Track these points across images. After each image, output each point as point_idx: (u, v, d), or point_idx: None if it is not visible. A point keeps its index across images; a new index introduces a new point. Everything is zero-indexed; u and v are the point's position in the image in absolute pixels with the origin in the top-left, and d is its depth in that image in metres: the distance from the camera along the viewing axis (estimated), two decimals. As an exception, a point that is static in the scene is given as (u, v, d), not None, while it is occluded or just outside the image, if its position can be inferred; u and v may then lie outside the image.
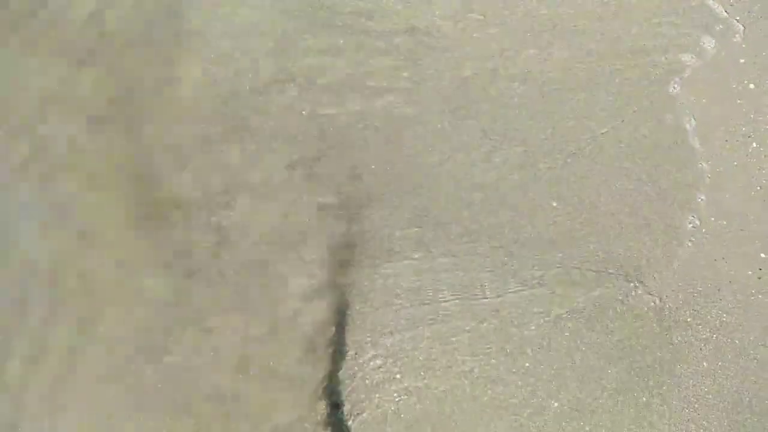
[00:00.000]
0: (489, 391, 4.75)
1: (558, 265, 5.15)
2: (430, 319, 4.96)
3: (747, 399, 4.74)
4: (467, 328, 4.93)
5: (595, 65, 5.73)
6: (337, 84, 5.66)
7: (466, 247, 5.17)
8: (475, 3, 5.90)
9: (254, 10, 5.91)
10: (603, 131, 5.58)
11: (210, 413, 4.67)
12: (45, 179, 5.37)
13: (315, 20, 5.90)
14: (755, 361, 4.87)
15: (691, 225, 5.35)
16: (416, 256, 5.13)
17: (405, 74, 5.70)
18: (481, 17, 5.89)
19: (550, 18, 5.86)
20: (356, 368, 4.85)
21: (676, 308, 5.04)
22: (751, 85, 5.87)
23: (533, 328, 4.93)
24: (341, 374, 4.83)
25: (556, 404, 4.67)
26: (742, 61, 6.01)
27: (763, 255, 5.24)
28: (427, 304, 5.00)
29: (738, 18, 5.92)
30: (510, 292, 5.05)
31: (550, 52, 5.76)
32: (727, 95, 5.86)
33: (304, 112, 5.59)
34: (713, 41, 5.86)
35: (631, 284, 5.11)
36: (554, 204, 5.36)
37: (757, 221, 5.37)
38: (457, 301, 5.02)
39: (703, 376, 4.81)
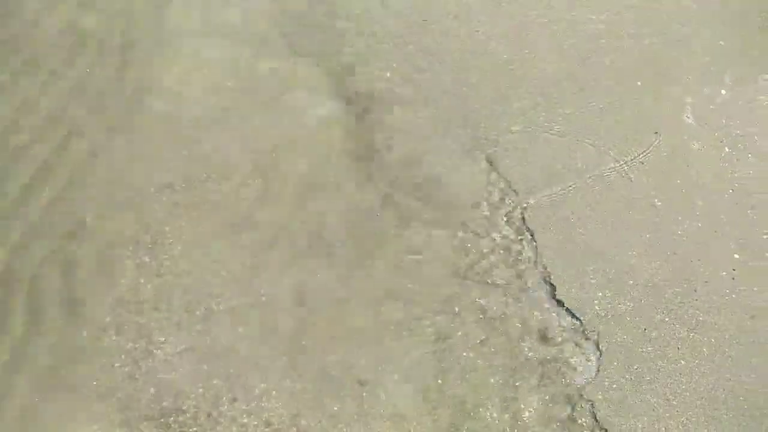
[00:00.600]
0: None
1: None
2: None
3: (723, 396, 4.82)
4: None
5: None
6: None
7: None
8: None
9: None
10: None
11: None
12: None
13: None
14: (730, 359, 4.97)
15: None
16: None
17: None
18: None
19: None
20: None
21: (654, 308, 5.14)
22: (723, 91, 6.07)
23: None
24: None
25: (539, 403, 4.72)
26: (712, 69, 6.22)
27: (736, 256, 5.38)
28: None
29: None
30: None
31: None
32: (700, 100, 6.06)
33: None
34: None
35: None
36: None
37: (730, 223, 5.53)
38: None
39: (680, 374, 4.89)
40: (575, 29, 6.61)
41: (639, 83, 6.17)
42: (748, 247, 5.42)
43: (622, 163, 5.79)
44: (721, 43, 6.37)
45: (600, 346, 4.94)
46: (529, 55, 6.43)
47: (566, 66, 6.36)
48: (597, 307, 5.12)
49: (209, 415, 4.53)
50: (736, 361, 4.96)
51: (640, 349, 4.95)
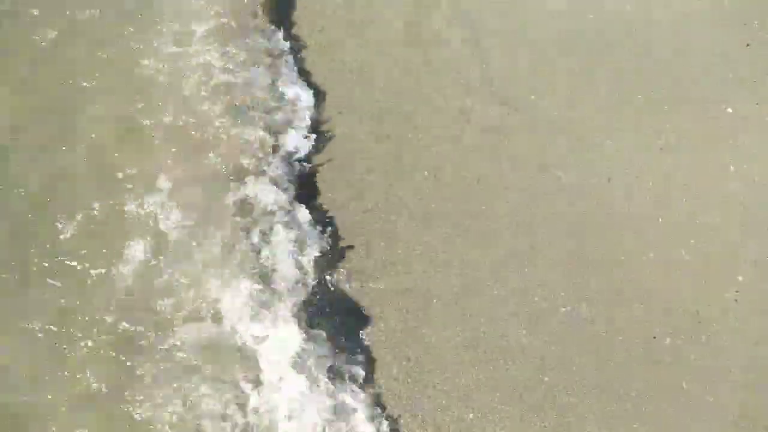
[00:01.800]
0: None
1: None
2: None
3: (732, 418, 4.71)
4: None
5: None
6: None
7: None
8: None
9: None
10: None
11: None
12: None
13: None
14: (738, 383, 4.85)
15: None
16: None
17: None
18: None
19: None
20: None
21: (656, 328, 5.02)
22: (729, 110, 6.00)
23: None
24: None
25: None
26: (729, 86, 6.14)
27: (740, 278, 5.28)
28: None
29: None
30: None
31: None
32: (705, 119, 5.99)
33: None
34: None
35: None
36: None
37: (735, 243, 5.43)
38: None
39: (687, 398, 4.77)
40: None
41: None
42: (752, 269, 5.32)
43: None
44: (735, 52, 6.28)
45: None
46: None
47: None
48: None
49: None
50: (746, 387, 4.84)
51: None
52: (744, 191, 5.65)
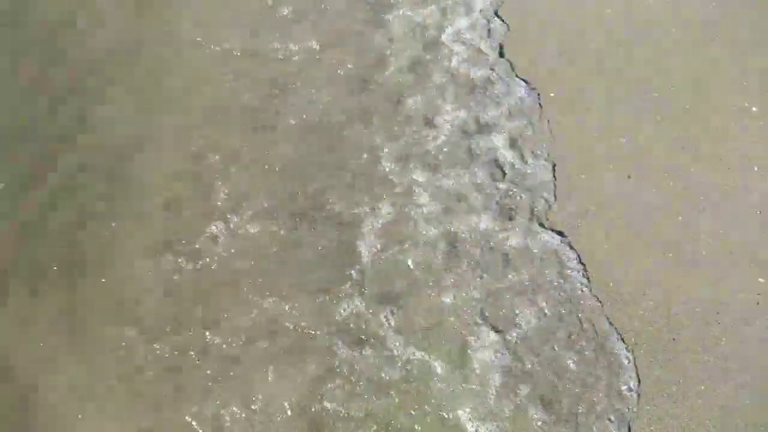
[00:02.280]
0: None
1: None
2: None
3: (743, 425, 4.64)
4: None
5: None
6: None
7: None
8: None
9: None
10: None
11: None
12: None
13: None
14: (748, 388, 4.76)
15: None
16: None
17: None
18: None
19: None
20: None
21: (675, 330, 4.97)
22: (754, 108, 5.89)
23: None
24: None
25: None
26: (744, 84, 6.04)
27: (761, 280, 5.17)
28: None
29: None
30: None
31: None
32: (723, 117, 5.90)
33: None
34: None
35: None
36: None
37: (756, 245, 5.32)
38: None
39: (698, 397, 4.72)
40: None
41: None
42: (772, 271, 5.21)
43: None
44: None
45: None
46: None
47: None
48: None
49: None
50: (754, 389, 4.75)
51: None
52: (765, 191, 5.54)
